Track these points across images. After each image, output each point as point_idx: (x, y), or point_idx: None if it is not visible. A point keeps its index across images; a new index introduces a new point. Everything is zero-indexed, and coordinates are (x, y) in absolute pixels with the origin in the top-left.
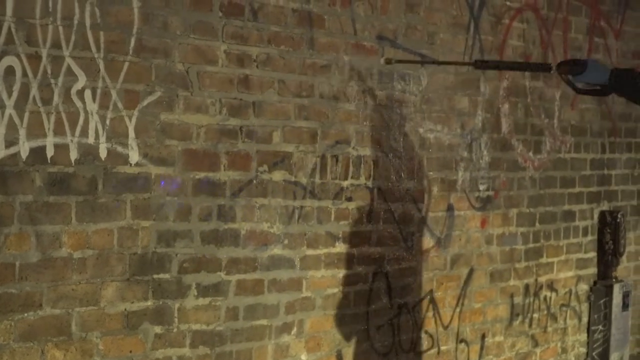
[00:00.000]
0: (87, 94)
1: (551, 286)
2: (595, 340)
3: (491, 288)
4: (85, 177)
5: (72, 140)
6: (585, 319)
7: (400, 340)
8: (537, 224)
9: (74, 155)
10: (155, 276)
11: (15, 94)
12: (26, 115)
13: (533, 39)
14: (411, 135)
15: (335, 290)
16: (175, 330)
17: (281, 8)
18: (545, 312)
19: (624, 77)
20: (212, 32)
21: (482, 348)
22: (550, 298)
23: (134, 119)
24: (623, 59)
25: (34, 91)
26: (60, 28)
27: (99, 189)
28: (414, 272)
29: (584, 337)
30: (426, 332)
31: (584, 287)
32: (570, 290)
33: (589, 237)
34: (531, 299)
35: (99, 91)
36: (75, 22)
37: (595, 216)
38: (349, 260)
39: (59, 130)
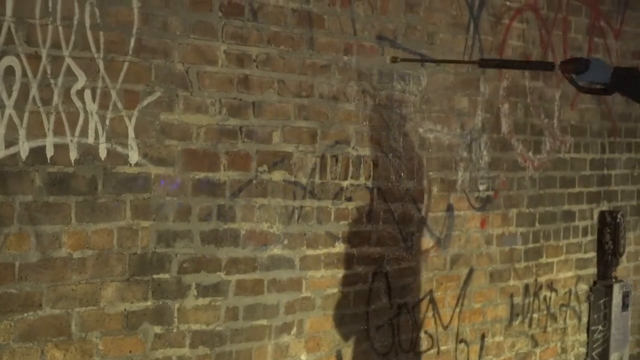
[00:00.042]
0: (87, 94)
1: (551, 286)
2: (595, 340)
3: (491, 288)
4: (85, 177)
5: (71, 141)
6: (585, 319)
7: (400, 340)
8: (536, 224)
9: (73, 155)
10: (155, 276)
11: (15, 94)
12: (26, 115)
13: (533, 39)
14: (411, 135)
15: (335, 290)
16: (175, 330)
17: (281, 8)
18: (545, 312)
19: (625, 76)
20: (211, 32)
21: (481, 348)
22: (550, 298)
23: (133, 119)
24: (623, 59)
25: (33, 91)
26: (60, 28)
27: (99, 189)
28: (413, 272)
29: (583, 337)
30: (426, 332)
31: (583, 287)
32: (570, 291)
33: (589, 237)
34: (531, 299)
35: (98, 91)
36: (75, 22)
37: (595, 216)
38: (349, 261)
39: (58, 131)
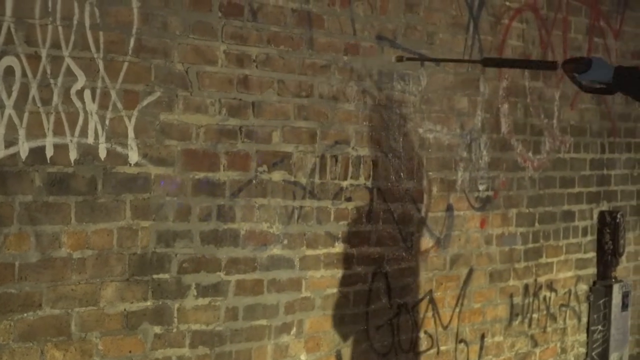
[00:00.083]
0: (87, 94)
1: (551, 286)
2: (594, 340)
3: (490, 288)
4: (85, 177)
5: (71, 141)
6: (584, 319)
7: (400, 341)
8: (536, 224)
9: (73, 155)
10: (154, 276)
11: (14, 94)
12: (25, 115)
13: (532, 39)
14: (411, 136)
15: (335, 290)
16: (174, 330)
17: (280, 8)
18: (545, 312)
19: (627, 76)
20: (211, 32)
21: (481, 348)
22: (550, 298)
23: (133, 119)
24: (622, 59)
25: (33, 91)
26: (60, 28)
27: (99, 189)
28: (413, 272)
29: (583, 337)
30: (426, 332)
31: (583, 287)
32: (570, 291)
33: (589, 237)
34: (531, 299)
35: (98, 91)
36: (75, 22)
37: (595, 216)
38: (349, 261)
39: (58, 131)
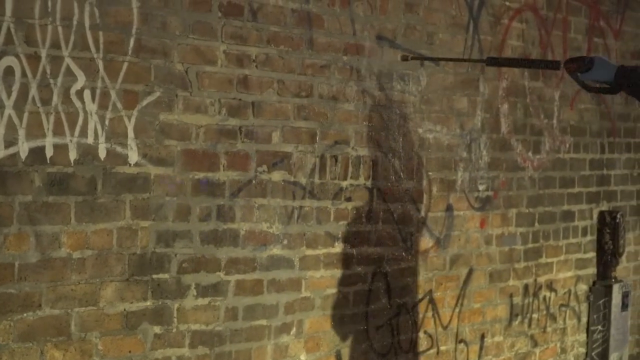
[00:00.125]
0: (87, 94)
1: (550, 286)
2: (594, 340)
3: (490, 288)
4: (85, 177)
5: (71, 141)
6: (584, 319)
7: (400, 341)
8: (536, 224)
9: (73, 155)
10: (154, 276)
11: (14, 94)
12: (25, 115)
13: (532, 39)
14: (410, 136)
15: (335, 290)
16: (174, 330)
17: (280, 8)
18: (545, 312)
19: (629, 75)
20: (211, 33)
21: (481, 348)
22: (550, 298)
23: (133, 119)
24: (622, 59)
25: (33, 91)
26: (60, 28)
27: (98, 189)
28: (413, 273)
29: (583, 337)
30: (425, 332)
31: (583, 287)
32: (570, 291)
33: (588, 237)
34: (530, 299)
35: (98, 91)
36: (75, 22)
37: (595, 216)
38: (348, 261)
39: (58, 131)
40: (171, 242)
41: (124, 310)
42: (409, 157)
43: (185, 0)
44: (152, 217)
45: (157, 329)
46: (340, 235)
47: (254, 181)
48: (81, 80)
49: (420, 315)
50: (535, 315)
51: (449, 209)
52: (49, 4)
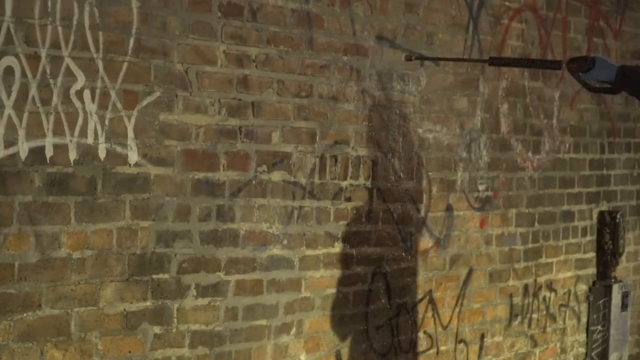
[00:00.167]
0: (86, 94)
1: (550, 286)
2: (594, 340)
3: (490, 288)
4: (85, 178)
5: (71, 141)
6: (584, 319)
7: (399, 341)
8: (536, 224)
9: (73, 155)
10: (154, 276)
11: (14, 94)
12: (25, 115)
13: (532, 39)
14: (410, 136)
15: (334, 290)
16: (174, 330)
17: (280, 8)
18: (545, 312)
19: (630, 75)
20: (211, 33)
21: (481, 348)
22: (550, 298)
23: (133, 119)
24: (622, 59)
25: (33, 91)
26: (60, 28)
27: (98, 189)
28: (413, 273)
29: (583, 337)
30: (425, 332)
31: (583, 288)
32: (570, 291)
33: (588, 238)
34: (530, 299)
35: (98, 91)
36: (74, 22)
37: (595, 216)
38: (348, 261)
39: (58, 131)
40: (171, 242)
41: (124, 310)
42: (408, 157)
43: (185, 1)
44: (152, 217)
45: (157, 329)
46: (340, 235)
47: (253, 181)
48: (81, 80)
49: (420, 315)
50: (535, 316)
51: (449, 209)
52: (49, 4)
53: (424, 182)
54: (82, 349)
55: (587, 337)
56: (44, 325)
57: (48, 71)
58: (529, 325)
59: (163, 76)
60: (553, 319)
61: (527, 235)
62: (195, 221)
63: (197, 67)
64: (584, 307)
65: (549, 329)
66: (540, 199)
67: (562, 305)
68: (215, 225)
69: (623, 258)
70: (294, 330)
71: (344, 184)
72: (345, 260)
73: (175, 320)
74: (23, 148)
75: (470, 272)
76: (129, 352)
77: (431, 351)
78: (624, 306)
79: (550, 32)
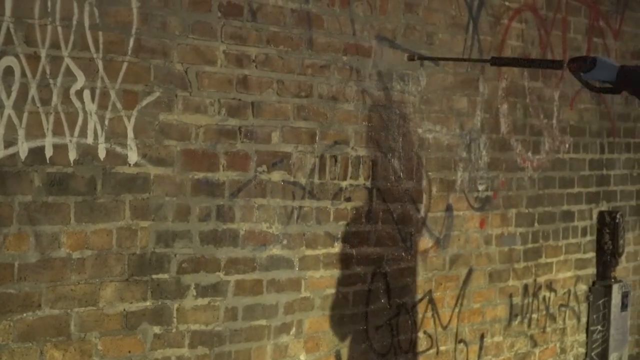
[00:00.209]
0: (86, 94)
1: (550, 286)
2: (594, 340)
3: (490, 288)
4: (84, 178)
5: (71, 141)
6: (584, 319)
7: (399, 341)
8: (536, 224)
9: (72, 155)
10: (154, 276)
11: (14, 94)
12: (25, 115)
13: (532, 39)
14: (410, 136)
15: (334, 290)
16: (174, 330)
17: (280, 8)
18: (544, 312)
19: (631, 75)
20: (210, 33)
21: (481, 348)
22: (549, 298)
23: (132, 119)
24: (622, 59)
25: (32, 91)
26: (59, 28)
27: (98, 189)
28: (412, 273)
29: (582, 337)
30: (425, 332)
31: (583, 288)
32: (569, 291)
33: (588, 238)
34: (530, 299)
35: (97, 91)
36: (74, 22)
37: (594, 216)
38: (348, 261)
39: (57, 131)
40: (171, 242)
41: (124, 310)
42: (408, 157)
43: (185, 1)
44: (151, 217)
45: (156, 329)
46: (339, 236)
47: (253, 181)
48: (81, 80)
49: (420, 315)
50: (534, 316)
51: (449, 209)
52: (49, 4)
53: (424, 182)
54: (82, 349)
55: (587, 337)
56: (44, 325)
57: (48, 71)
58: (529, 325)
59: (163, 76)
60: (553, 319)
61: (527, 235)
62: (195, 221)
63: (197, 67)
64: (583, 307)
65: (548, 329)
66: (540, 199)
67: (562, 305)
68: (215, 225)
69: (623, 258)
70: (293, 330)
71: (344, 184)
72: (345, 260)
73: (175, 320)
74: (23, 148)
75: (470, 272)
76: (129, 352)
77: (431, 351)
78: (623, 306)
79: (550, 32)
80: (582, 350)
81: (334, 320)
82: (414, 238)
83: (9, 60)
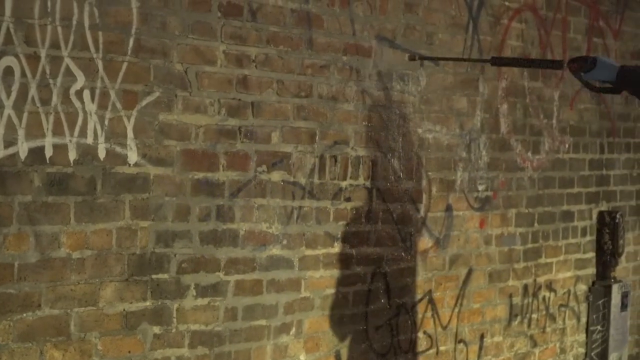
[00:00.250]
0: (86, 94)
1: (550, 286)
2: (594, 340)
3: (490, 288)
4: (84, 178)
5: (70, 141)
6: (584, 319)
7: (399, 341)
8: (535, 224)
9: (72, 155)
10: (154, 276)
11: (14, 94)
12: (25, 115)
13: (532, 39)
14: (410, 136)
15: (334, 290)
16: (174, 330)
17: (280, 8)
18: (544, 312)
19: (631, 75)
20: (210, 33)
21: (480, 348)
22: (549, 298)
23: (132, 119)
24: (622, 59)
25: (32, 91)
26: (59, 28)
27: (98, 189)
28: (412, 273)
29: (582, 337)
30: (425, 332)
31: (582, 288)
32: (569, 291)
33: (588, 238)
34: (530, 299)
35: (97, 91)
36: (74, 22)
37: (594, 216)
38: (348, 261)
39: (57, 131)
40: (170, 242)
41: (124, 310)
42: (408, 157)
43: (185, 1)
44: (151, 217)
45: (156, 329)
46: (339, 236)
47: (253, 181)
48: (81, 80)
49: (420, 316)
50: (534, 316)
51: (449, 209)
52: (49, 4)
53: (424, 182)
54: (82, 349)
55: (587, 337)
56: (44, 325)
57: (48, 71)
58: (529, 326)
59: (163, 76)
60: (553, 319)
61: (527, 235)
62: (194, 221)
63: (197, 67)
64: (583, 307)
65: (548, 329)
66: (539, 199)
67: (561, 305)
68: (215, 225)
69: (622, 258)
70: (293, 330)
71: (344, 184)
72: (344, 261)
73: (174, 320)
74: (23, 148)
75: (469, 272)
76: (129, 352)
77: (431, 351)
78: (623, 306)
79: (550, 32)
80: (582, 350)
81: (333, 320)
82: (414, 238)
83: (9, 60)
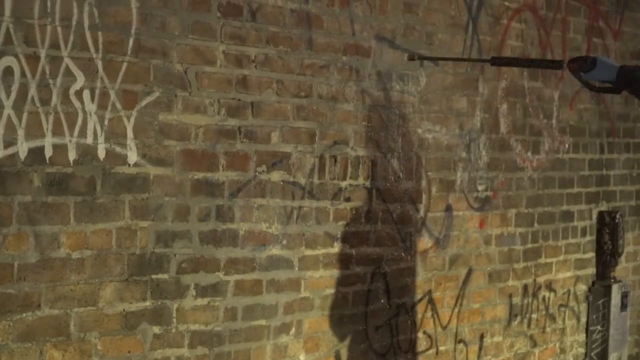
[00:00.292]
0: (86, 94)
1: (550, 286)
2: (593, 340)
3: (490, 288)
4: (84, 178)
5: (70, 141)
6: (583, 320)
7: (399, 341)
8: (535, 225)
9: (72, 155)
10: (153, 276)
11: (13, 95)
12: (24, 115)
13: (532, 39)
14: (410, 136)
15: (334, 290)
16: (173, 330)
17: (279, 8)
18: (544, 312)
19: (631, 75)
20: (210, 33)
21: (480, 348)
22: (549, 298)
23: (132, 119)
24: (622, 59)
25: (32, 91)
26: (59, 28)
27: (98, 190)
28: (412, 273)
29: (582, 337)
30: (424, 332)
31: (582, 288)
32: (569, 291)
33: (588, 238)
34: (530, 300)
35: (97, 91)
36: (74, 22)
37: (594, 216)
38: (348, 261)
39: (57, 131)
40: (170, 242)
41: (123, 310)
42: (408, 157)
43: (185, 1)
44: (151, 217)
45: (156, 329)
46: (339, 236)
47: (253, 181)
48: (80, 80)
49: (420, 316)
50: (534, 316)
51: (448, 209)
52: (48, 4)
53: (424, 182)
54: (82, 349)
55: (587, 337)
56: (44, 325)
57: (47, 71)
58: (529, 326)
59: (162, 76)
60: (552, 319)
61: (527, 235)
62: (194, 221)
63: (197, 67)
64: (583, 307)
65: (548, 329)
66: (539, 199)
67: (561, 305)
68: (215, 225)
69: (622, 258)
70: (293, 330)
71: (344, 184)
72: (344, 261)
73: (174, 320)
74: (22, 148)
75: (469, 272)
76: (129, 352)
77: (430, 351)
78: (623, 306)
79: (549, 32)
80: (582, 350)
81: (333, 321)
82: (414, 238)
83: (9, 60)
